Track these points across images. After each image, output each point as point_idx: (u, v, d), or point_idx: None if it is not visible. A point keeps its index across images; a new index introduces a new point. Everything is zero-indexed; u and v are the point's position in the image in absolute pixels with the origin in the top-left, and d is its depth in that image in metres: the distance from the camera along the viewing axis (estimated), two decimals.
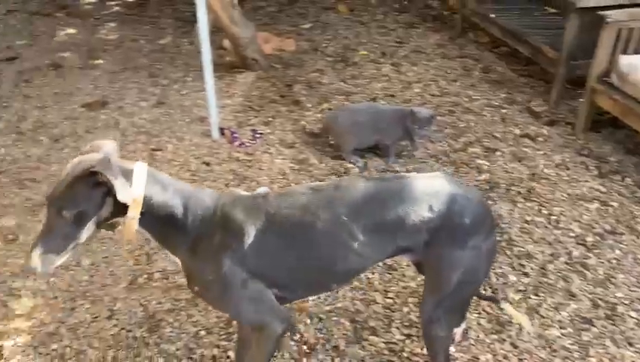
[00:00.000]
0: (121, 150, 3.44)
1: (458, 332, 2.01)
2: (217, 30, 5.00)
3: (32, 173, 3.26)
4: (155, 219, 1.53)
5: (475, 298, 2.03)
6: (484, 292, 2.34)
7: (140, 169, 1.51)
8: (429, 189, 1.63)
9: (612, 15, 3.24)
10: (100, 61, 4.81)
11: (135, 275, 2.51)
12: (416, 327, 2.23)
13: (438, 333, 1.72)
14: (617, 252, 2.61)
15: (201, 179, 3.18)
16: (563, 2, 4.26)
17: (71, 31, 5.51)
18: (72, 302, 2.37)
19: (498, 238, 2.70)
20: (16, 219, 2.87)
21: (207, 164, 3.32)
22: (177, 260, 1.65)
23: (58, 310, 2.33)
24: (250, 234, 1.56)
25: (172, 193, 1.56)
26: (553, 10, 4.72)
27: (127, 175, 1.47)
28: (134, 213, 1.48)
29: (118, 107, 4.03)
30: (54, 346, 2.16)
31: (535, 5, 4.85)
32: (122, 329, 2.24)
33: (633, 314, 2.28)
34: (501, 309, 2.29)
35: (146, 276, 2.51)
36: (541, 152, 3.41)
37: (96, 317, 2.29)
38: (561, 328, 2.22)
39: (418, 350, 2.13)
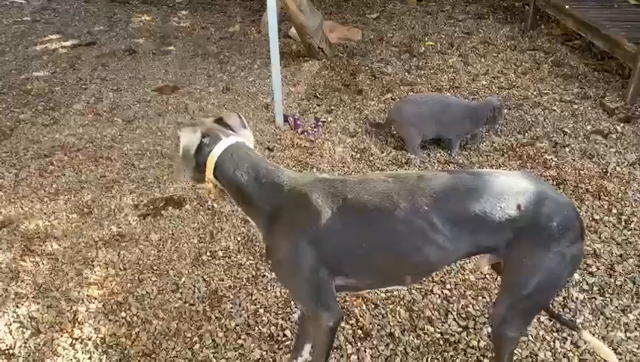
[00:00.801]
0: None
1: None
2: (284, 19, 5.08)
3: (107, 152, 3.44)
4: (228, 186, 1.67)
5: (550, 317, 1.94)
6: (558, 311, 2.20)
7: (226, 142, 1.67)
8: (517, 187, 1.57)
9: None
10: (172, 47, 4.99)
11: (199, 252, 2.61)
12: (474, 320, 2.20)
13: (508, 334, 1.68)
14: None
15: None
16: None
17: (146, 18, 5.74)
18: (140, 274, 2.50)
19: None
20: (91, 194, 3.04)
21: (271, 150, 3.39)
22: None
23: (127, 281, 2.46)
24: (327, 217, 1.57)
25: (244, 168, 1.64)
26: (634, 2, 4.48)
27: (213, 143, 1.65)
28: (208, 173, 1.65)
29: (188, 92, 4.17)
30: (123, 314, 2.29)
31: None
32: (186, 302, 2.34)
33: None
34: (580, 339, 2.09)
35: (209, 254, 2.60)
36: (613, 150, 3.27)
37: (162, 290, 2.41)
38: (626, 331, 2.13)
39: (474, 343, 2.11)
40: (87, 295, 2.39)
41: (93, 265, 2.56)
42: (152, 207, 2.94)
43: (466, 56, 4.58)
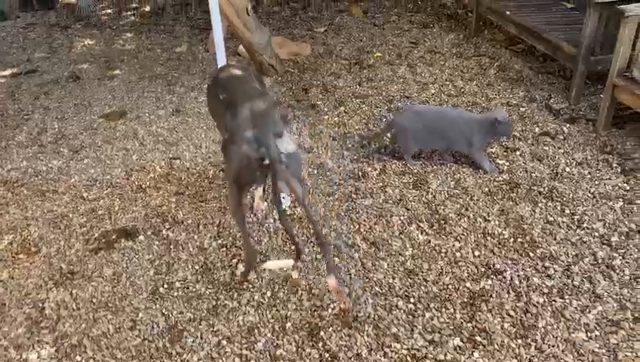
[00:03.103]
0: (139, 160, 3.50)
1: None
2: (231, 37, 5.03)
3: (54, 185, 3.30)
4: None
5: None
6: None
7: None
8: None
9: (631, 9, 3.17)
10: (118, 71, 4.87)
11: (156, 285, 2.52)
12: (439, 333, 2.20)
13: None
14: None
15: (219, 186, 3.19)
16: None
17: (89, 42, 5.58)
18: (95, 313, 2.39)
19: (520, 240, 2.67)
20: (39, 231, 2.91)
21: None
22: None
23: (81, 321, 2.35)
24: None
25: None
26: (571, 6, 4.64)
27: None
28: None
29: (136, 116, 4.07)
30: (78, 358, 2.18)
31: (552, 1, 4.77)
32: (144, 339, 2.25)
33: None
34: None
35: (166, 286, 2.52)
36: (562, 151, 3.35)
37: (118, 328, 2.31)
38: (587, 331, 2.17)
39: (441, 357, 2.10)
40: (38, 340, 2.26)
41: (43, 308, 2.43)
42: (103, 240, 2.82)
43: (414, 65, 4.65)
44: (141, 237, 2.83)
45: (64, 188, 3.26)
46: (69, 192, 3.22)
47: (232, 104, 2.35)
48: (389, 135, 3.49)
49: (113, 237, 2.84)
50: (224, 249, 2.72)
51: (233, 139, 2.26)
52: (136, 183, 3.28)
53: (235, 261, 2.64)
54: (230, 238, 2.79)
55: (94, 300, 2.46)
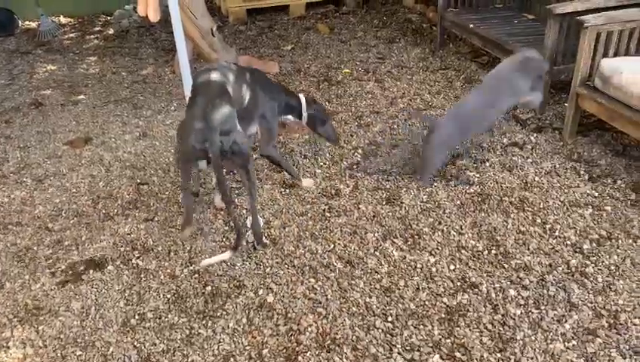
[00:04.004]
0: (105, 186, 3.41)
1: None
2: (199, 57, 4.98)
3: (17, 217, 3.19)
4: None
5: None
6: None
7: None
8: None
9: (590, 20, 3.25)
10: (82, 96, 4.77)
11: (127, 316, 2.44)
12: (418, 351, 2.18)
13: None
14: (615, 258, 2.58)
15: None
16: (541, 9, 4.30)
17: (51, 67, 5.47)
18: (63, 350, 2.29)
19: (494, 252, 2.67)
20: (1, 266, 2.79)
21: (196, 195, 3.26)
22: None
23: (48, 359, 2.25)
24: None
25: None
26: (532, 17, 4.74)
27: None
28: None
29: (102, 142, 3.98)
30: None
31: (513, 13, 4.87)
32: None
33: (636, 321, 2.24)
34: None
35: (137, 317, 2.44)
36: (530, 160, 3.39)
37: None
38: (564, 341, 2.18)
39: None
40: None
41: (8, 347, 2.33)
42: (71, 272, 2.73)
43: (382, 80, 4.67)
44: (110, 267, 2.75)
45: (28, 220, 3.15)
46: (33, 224, 3.11)
47: (193, 95, 2.67)
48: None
49: (81, 268, 2.75)
50: (196, 276, 2.65)
51: (184, 126, 2.57)
52: (104, 211, 3.19)
53: (208, 288, 2.57)
54: None
55: (62, 336, 2.36)
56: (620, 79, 3.11)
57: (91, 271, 2.72)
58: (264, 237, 2.84)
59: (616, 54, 3.35)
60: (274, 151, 3.15)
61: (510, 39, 4.23)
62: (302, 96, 3.26)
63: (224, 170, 2.63)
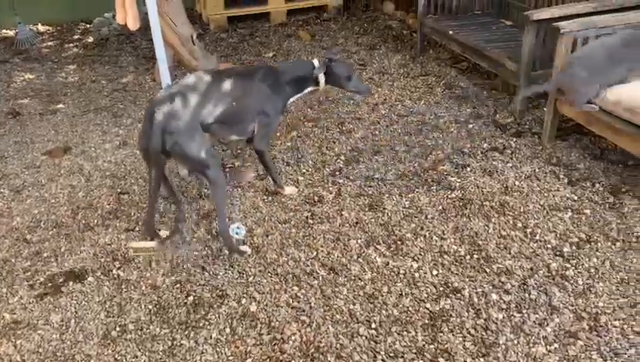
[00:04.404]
0: (85, 196, 3.37)
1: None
2: (180, 65, 4.96)
3: None
4: None
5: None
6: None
7: None
8: None
9: (566, 26, 3.30)
10: (61, 105, 4.71)
11: (108, 329, 2.41)
12: (402, 357, 2.18)
13: None
14: (594, 260, 2.61)
15: (170, 220, 3.10)
16: (519, 15, 4.36)
17: (29, 76, 5.39)
18: None
19: (476, 256, 2.69)
20: None
21: (175, 203, 3.23)
22: None
23: None
24: None
25: None
26: (510, 23, 4.80)
27: None
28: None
29: (82, 151, 3.93)
30: None
31: (492, 19, 4.93)
32: None
33: (616, 323, 2.27)
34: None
35: (119, 329, 2.40)
36: (510, 165, 3.43)
37: None
38: (546, 345, 2.19)
39: None
40: None
41: None
42: (50, 284, 2.68)
43: None
44: (90, 279, 2.71)
45: (5, 232, 3.09)
46: (10, 236, 3.06)
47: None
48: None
49: (60, 280, 2.70)
50: (178, 285, 2.63)
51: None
52: (84, 221, 3.15)
53: (190, 298, 2.55)
54: (184, 274, 2.70)
55: (41, 350, 2.32)
56: None
57: (71, 283, 2.68)
58: (245, 246, 2.83)
59: None
60: (266, 148, 3.12)
61: (488, 45, 4.28)
62: (315, 61, 3.14)
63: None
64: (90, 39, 6.38)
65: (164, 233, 2.92)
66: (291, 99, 3.17)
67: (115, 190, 3.44)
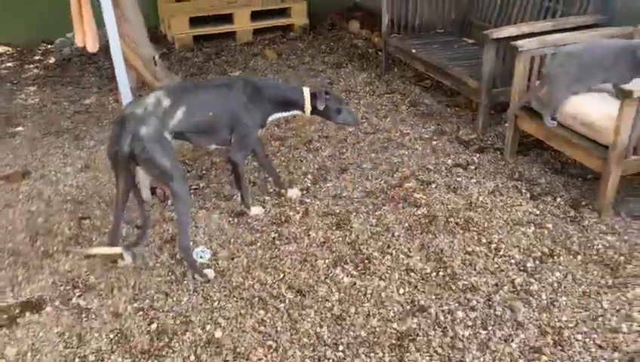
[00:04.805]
0: (45, 222, 3.27)
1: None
2: (143, 85, 4.89)
3: None
4: None
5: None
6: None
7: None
8: None
9: (524, 44, 3.38)
10: (20, 128, 4.59)
11: (67, 361, 2.32)
12: None
13: None
14: (557, 274, 2.65)
15: (131, 244, 3.02)
16: (480, 34, 4.46)
17: None
18: None
19: (441, 273, 2.70)
20: None
21: (139, 227, 3.16)
22: None
23: None
24: None
25: None
26: (471, 42, 4.90)
27: None
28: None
29: (41, 176, 3.82)
30: None
31: (454, 38, 5.03)
32: None
33: (579, 336, 2.30)
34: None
35: (78, 360, 2.32)
36: (474, 180, 3.47)
37: None
38: (512, 361, 2.20)
39: None
40: None
41: None
42: (5, 316, 2.58)
43: None
44: (48, 309, 2.62)
45: None
46: None
47: None
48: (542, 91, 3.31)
49: (16, 311, 2.60)
50: (141, 313, 2.56)
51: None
52: (42, 248, 3.05)
53: (154, 325, 2.48)
54: (147, 300, 2.63)
55: None
56: None
57: (28, 314, 2.58)
58: (209, 270, 2.78)
59: None
60: (241, 160, 3.11)
61: (451, 63, 4.36)
62: (305, 90, 3.15)
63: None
64: (52, 60, 6.26)
65: (129, 258, 2.85)
66: (273, 117, 3.16)
67: (76, 215, 3.35)
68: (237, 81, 3.06)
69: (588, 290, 2.54)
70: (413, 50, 4.73)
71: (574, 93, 3.16)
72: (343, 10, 7.40)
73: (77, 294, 2.70)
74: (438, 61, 4.44)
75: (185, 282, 2.73)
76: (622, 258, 2.73)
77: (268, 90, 3.10)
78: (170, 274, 2.80)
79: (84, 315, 2.56)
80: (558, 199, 3.23)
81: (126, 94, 3.26)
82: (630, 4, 3.77)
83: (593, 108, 3.04)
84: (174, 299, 2.63)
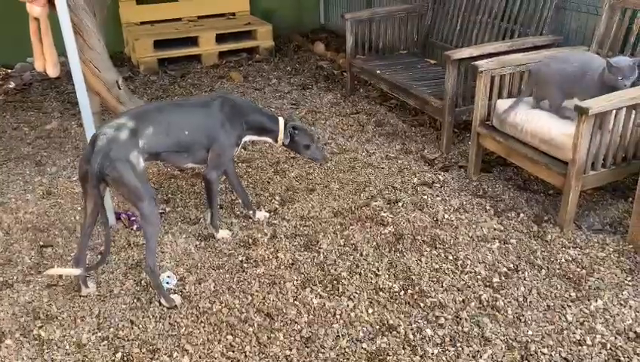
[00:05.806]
0: (4, 252, 3.17)
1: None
2: (107, 109, 4.83)
3: None
4: None
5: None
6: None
7: None
8: None
9: (484, 64, 3.47)
10: None
11: None
12: None
13: None
14: (522, 289, 2.70)
15: (95, 272, 2.95)
16: (441, 54, 4.56)
17: None
18: None
19: (410, 291, 2.71)
20: None
21: (102, 254, 3.09)
22: None
23: None
24: None
25: None
26: (434, 62, 5.01)
27: None
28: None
29: (0, 203, 3.71)
30: None
31: (417, 59, 5.13)
32: None
33: (545, 350, 2.33)
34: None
35: None
36: (440, 198, 3.52)
37: None
38: None
39: None
40: None
41: None
42: None
43: None
44: (8, 342, 2.52)
45: None
46: None
47: None
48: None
49: None
50: (105, 342, 2.49)
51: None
52: (1, 279, 2.95)
53: (119, 355, 2.42)
54: (112, 329, 2.56)
55: None
56: (514, 118, 3.33)
57: None
58: (176, 295, 2.73)
59: (510, 95, 3.59)
60: (215, 179, 3.08)
61: (414, 83, 4.44)
62: (281, 120, 3.19)
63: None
64: (12, 85, 6.13)
65: (92, 286, 2.79)
66: (247, 138, 3.17)
67: (38, 243, 3.26)
68: (215, 99, 3.05)
69: (552, 304, 2.59)
70: (378, 71, 4.81)
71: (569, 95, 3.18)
72: (308, 32, 7.50)
73: (38, 325, 2.61)
74: (402, 81, 4.53)
75: (151, 309, 2.67)
76: (584, 271, 2.80)
77: (246, 110, 3.12)
78: (135, 301, 2.74)
79: (45, 347, 2.48)
80: (522, 215, 3.30)
81: (88, 119, 3.21)
82: (584, 25, 3.94)
83: (552, 126, 3.13)
84: (140, 326, 2.57)
